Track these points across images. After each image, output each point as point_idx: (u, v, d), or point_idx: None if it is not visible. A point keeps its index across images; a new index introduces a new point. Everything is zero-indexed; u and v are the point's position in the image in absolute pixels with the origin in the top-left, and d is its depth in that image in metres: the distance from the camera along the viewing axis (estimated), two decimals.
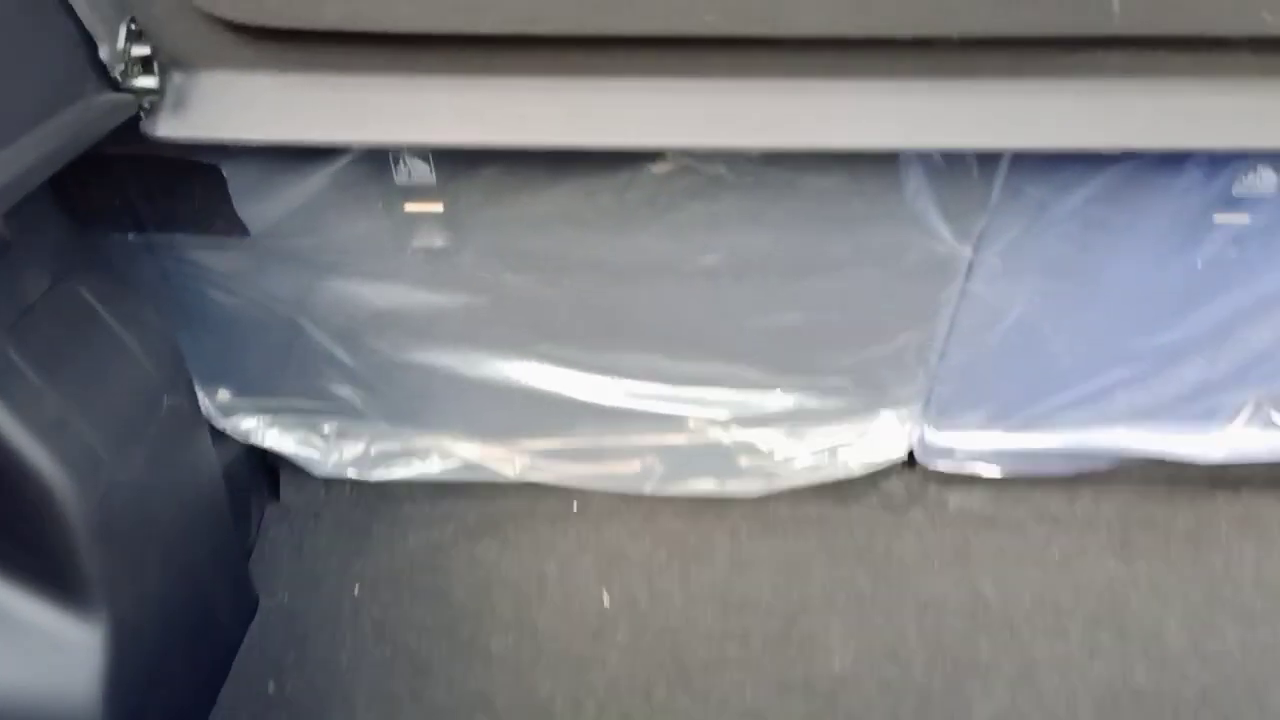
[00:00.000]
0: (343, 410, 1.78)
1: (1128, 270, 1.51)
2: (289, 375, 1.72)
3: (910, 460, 1.93)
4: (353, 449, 1.85)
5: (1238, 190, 1.40)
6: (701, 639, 1.74)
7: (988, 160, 1.36)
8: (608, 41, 1.15)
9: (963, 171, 1.39)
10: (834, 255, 1.51)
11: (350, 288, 1.56)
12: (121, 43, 1.14)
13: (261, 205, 1.44)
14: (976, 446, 1.85)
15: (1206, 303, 1.55)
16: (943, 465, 1.90)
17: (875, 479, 1.95)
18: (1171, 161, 1.36)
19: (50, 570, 1.24)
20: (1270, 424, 1.73)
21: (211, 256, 1.52)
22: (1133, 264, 1.49)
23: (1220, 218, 1.44)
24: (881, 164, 1.37)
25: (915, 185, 1.40)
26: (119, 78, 1.15)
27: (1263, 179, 1.38)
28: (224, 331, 1.63)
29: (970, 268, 1.54)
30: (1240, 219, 1.44)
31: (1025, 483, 1.96)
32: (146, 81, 1.18)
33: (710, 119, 1.23)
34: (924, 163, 1.37)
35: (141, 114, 1.20)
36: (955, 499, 1.97)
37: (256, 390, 1.77)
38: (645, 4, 1.09)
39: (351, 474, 1.86)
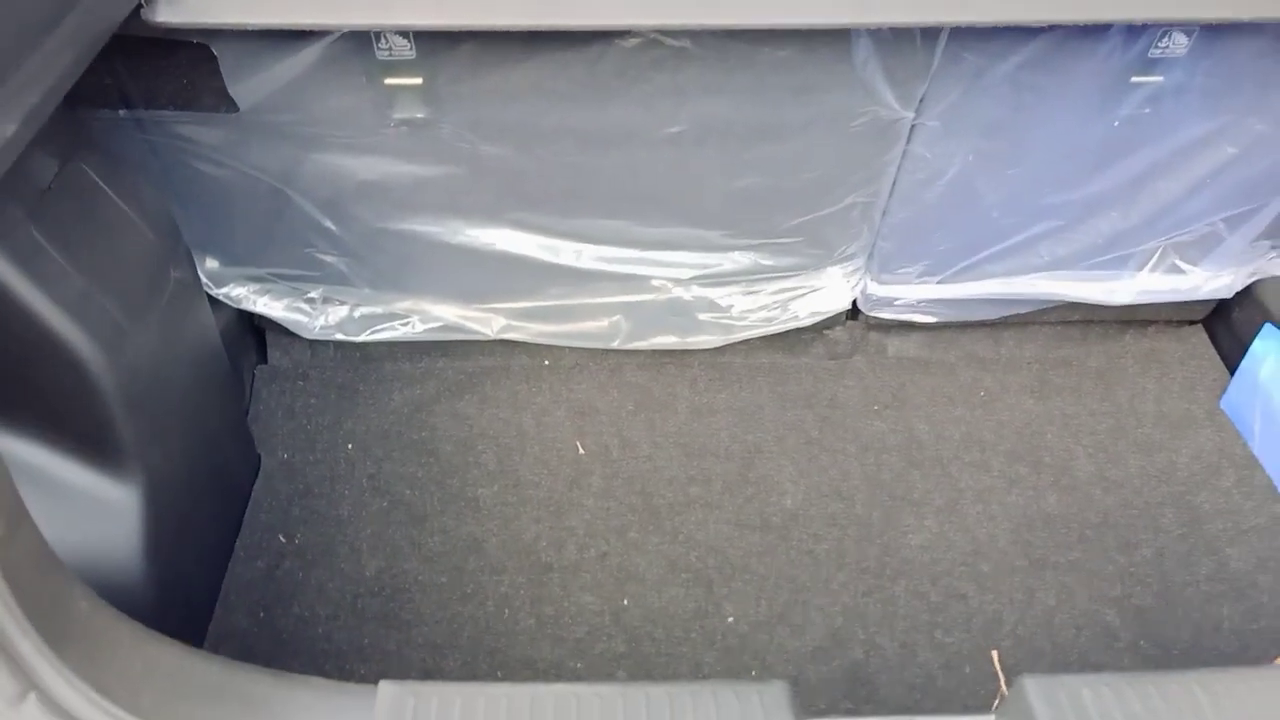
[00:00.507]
0: (328, 277, 1.89)
1: (1054, 129, 1.66)
2: (276, 244, 1.81)
3: (854, 311, 2.10)
4: (338, 312, 1.96)
5: (1153, 54, 1.54)
6: (667, 483, 1.91)
7: (929, 32, 1.48)
8: None
9: (907, 42, 1.51)
10: (789, 121, 1.63)
11: (334, 159, 1.65)
12: None
13: (249, 82, 1.51)
14: (914, 296, 2.02)
15: (1123, 158, 1.72)
16: (884, 314, 2.07)
17: (821, 329, 2.12)
18: (1095, 29, 1.50)
19: (87, 436, 1.36)
20: (1175, 269, 1.92)
21: (199, 131, 1.60)
22: (1059, 124, 1.64)
23: (1137, 78, 1.59)
24: (833, 37, 1.49)
25: (863, 55, 1.52)
26: None
27: (1175, 42, 1.53)
28: (213, 203, 1.71)
29: (912, 130, 1.67)
30: (1155, 79, 1.59)
31: (956, 328, 2.14)
32: None
33: (670, 2, 1.34)
34: (872, 35, 1.49)
35: (141, 4, 1.27)
36: (894, 345, 2.15)
37: (245, 260, 1.86)
38: None
39: (338, 336, 1.98)
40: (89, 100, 1.53)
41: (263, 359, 2.09)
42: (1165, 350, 2.12)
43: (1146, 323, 2.15)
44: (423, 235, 1.79)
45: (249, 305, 1.92)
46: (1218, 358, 2.08)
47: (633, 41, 1.49)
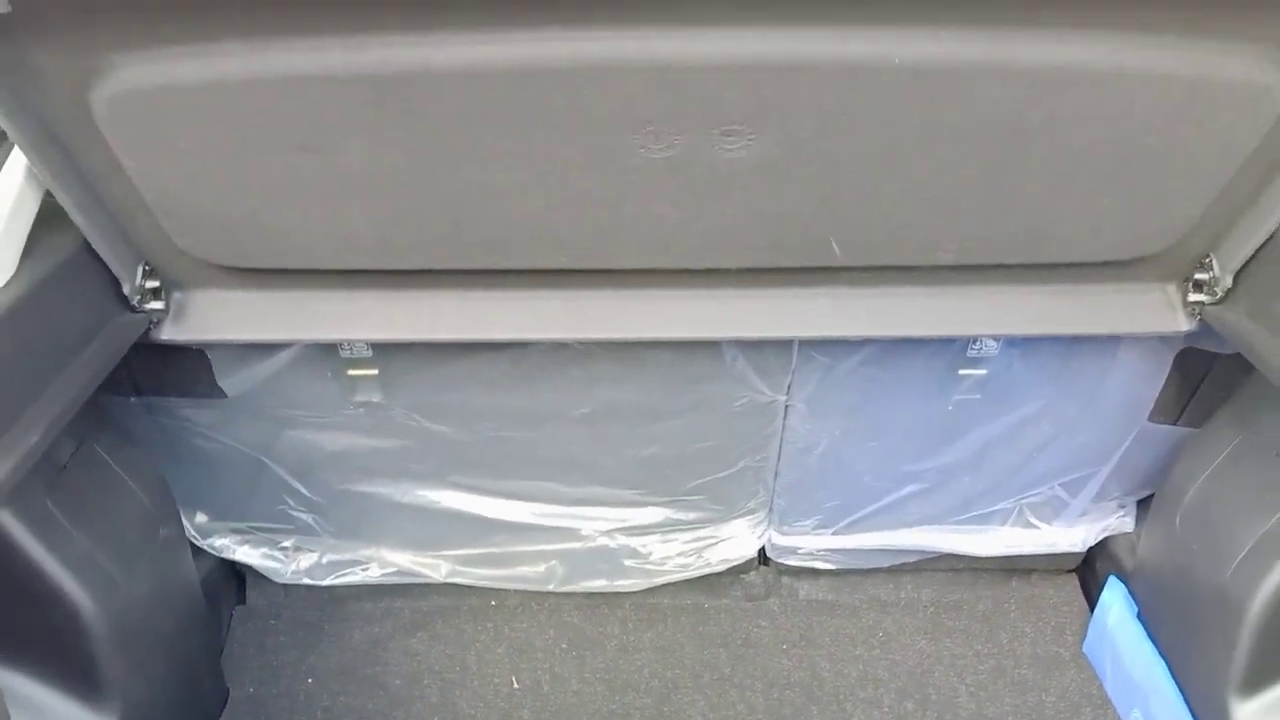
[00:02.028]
0: (299, 529, 2.20)
1: (900, 411, 1.99)
2: (255, 502, 2.14)
3: (765, 558, 2.37)
4: (307, 559, 2.26)
5: (970, 352, 1.90)
6: (589, 716, 2.14)
7: (778, 340, 1.85)
8: (492, 272, 1.63)
9: (767, 345, 1.87)
10: (680, 403, 1.97)
11: (305, 435, 2.00)
12: (139, 280, 1.59)
13: (236, 376, 1.88)
14: (813, 546, 2.31)
15: (964, 434, 2.04)
16: (790, 561, 2.34)
17: (738, 573, 2.39)
18: (914, 338, 1.85)
19: (74, 672, 1.63)
20: (1030, 524, 2.21)
21: (195, 413, 1.95)
22: (902, 406, 1.98)
23: (963, 371, 1.93)
24: (701, 343, 1.85)
25: (730, 355, 1.88)
26: (135, 304, 1.60)
27: (987, 345, 1.88)
28: (203, 469, 2.05)
29: (786, 409, 2.01)
30: (979, 372, 1.94)
31: (861, 573, 2.41)
32: (156, 304, 1.63)
33: (574, 319, 1.71)
34: (733, 340, 1.85)
35: (151, 326, 1.65)
36: (804, 588, 2.41)
37: (229, 515, 2.18)
38: (520, 249, 1.56)
39: (306, 581, 2.27)
40: (106, 388, 1.89)
41: (242, 600, 2.36)
42: (1043, 596, 2.37)
43: (1029, 570, 2.41)
44: (379, 495, 2.12)
45: (230, 554, 2.22)
46: (1086, 605, 2.32)
47: (544, 346, 1.86)
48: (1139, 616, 2.04)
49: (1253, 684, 1.69)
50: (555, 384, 1.92)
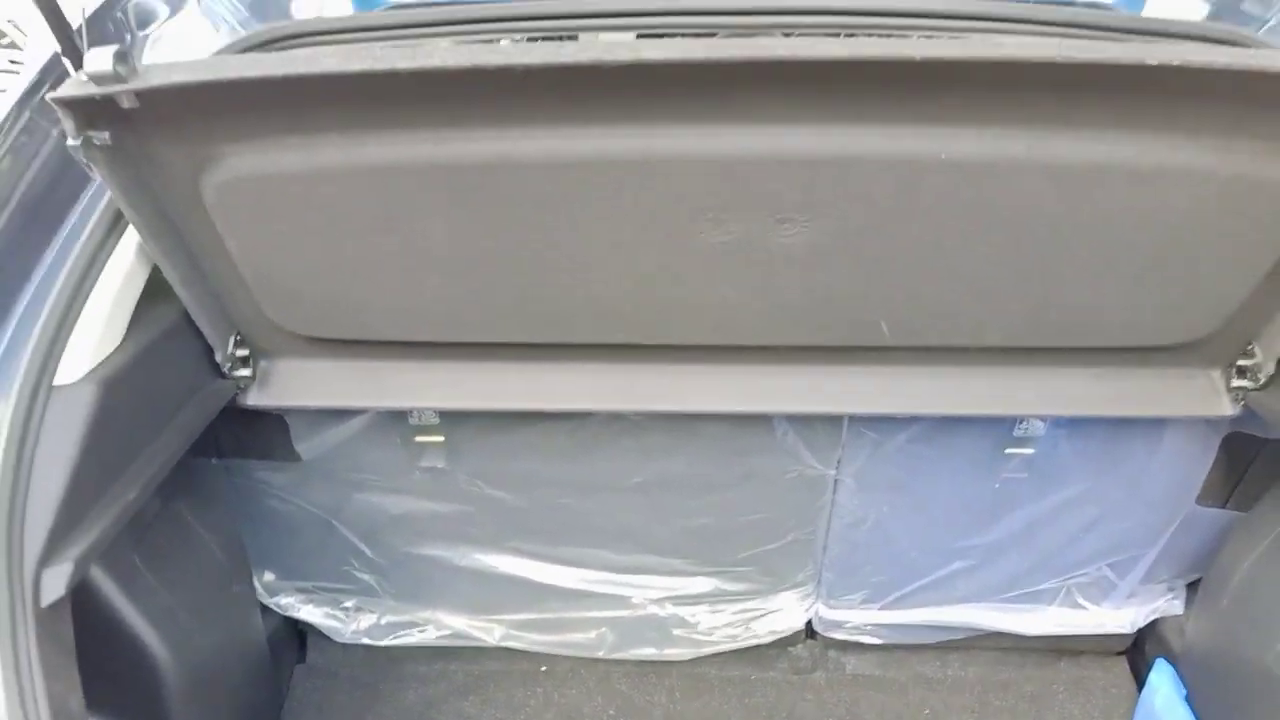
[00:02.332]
0: (361, 590, 2.28)
1: (946, 488, 2.04)
2: (321, 563, 2.22)
3: (812, 631, 2.41)
4: (367, 620, 2.33)
5: (1018, 432, 1.94)
6: None
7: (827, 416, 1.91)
8: (555, 346, 1.72)
9: (818, 419, 1.94)
10: (731, 475, 2.04)
11: (372, 498, 2.09)
12: (230, 348, 1.70)
13: (311, 440, 1.98)
14: (861, 620, 2.34)
15: (1010, 512, 2.08)
16: (837, 635, 2.37)
17: (785, 645, 2.42)
18: (961, 416, 1.91)
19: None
20: (1078, 605, 2.23)
21: (270, 475, 2.05)
22: (949, 483, 2.03)
23: (1010, 450, 1.98)
24: (752, 417, 1.92)
25: (781, 430, 1.94)
26: (226, 371, 1.71)
27: (1033, 425, 1.93)
28: (275, 529, 2.14)
29: (836, 484, 2.07)
30: (1026, 451, 1.98)
31: (907, 649, 2.43)
32: (244, 371, 1.74)
33: (630, 392, 1.79)
34: (785, 414, 1.92)
35: (238, 391, 1.76)
36: (851, 663, 2.44)
37: (295, 574, 2.26)
38: (584, 324, 1.66)
39: (366, 640, 2.34)
40: (191, 449, 2.00)
41: (302, 659, 2.44)
42: (1091, 678, 2.37)
43: (1078, 652, 2.41)
44: (438, 558, 2.19)
45: (294, 612, 2.30)
46: (1134, 686, 2.32)
47: (601, 417, 1.94)
48: (1187, 699, 2.04)
49: None
50: (610, 454, 2.00)
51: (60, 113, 1.22)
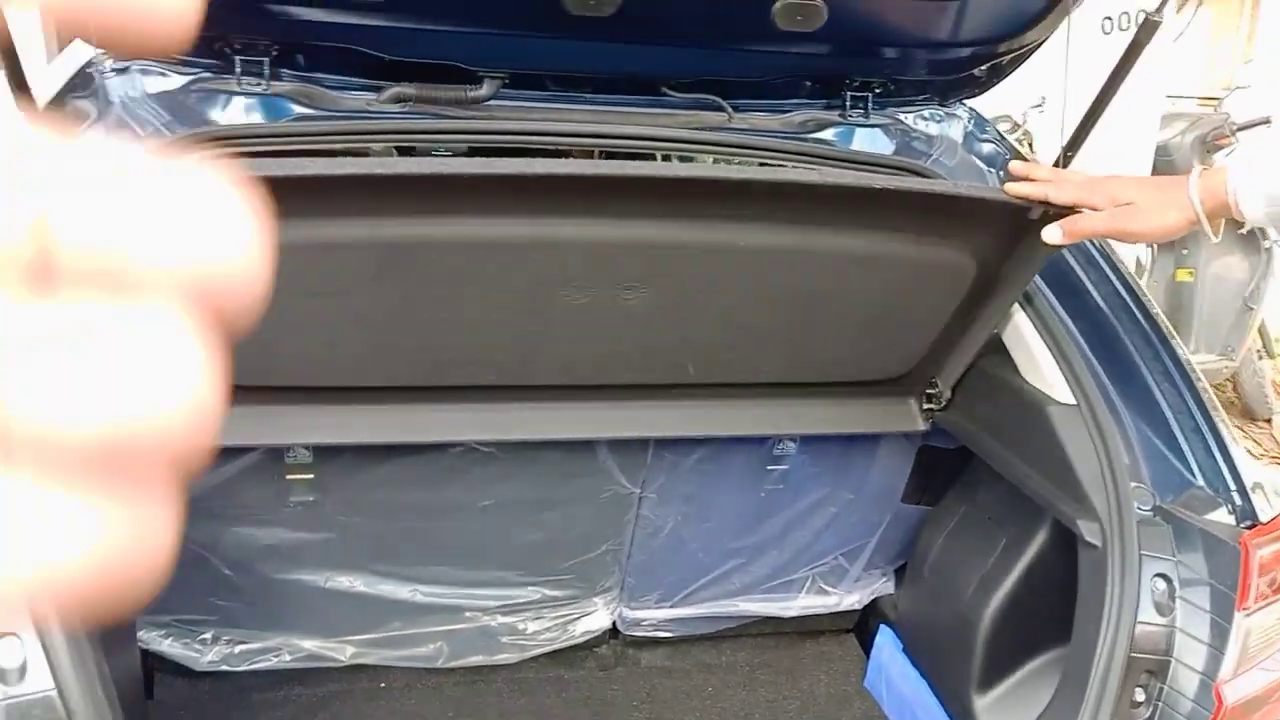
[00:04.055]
0: (221, 620, 2.52)
1: (725, 498, 2.61)
2: (185, 595, 2.45)
3: (615, 631, 2.89)
4: (224, 649, 2.57)
5: (776, 451, 2.55)
6: None
7: (642, 440, 2.43)
8: (426, 388, 2.13)
9: (630, 445, 2.45)
10: (560, 495, 2.51)
11: (245, 530, 2.37)
12: None
13: (195, 482, 2.25)
14: (657, 617, 2.85)
15: (772, 516, 2.68)
16: (637, 632, 2.87)
17: (592, 647, 2.89)
18: (738, 439, 2.49)
19: None
20: (822, 590, 2.86)
21: None
22: (727, 494, 2.60)
23: (770, 467, 2.58)
24: (584, 444, 2.41)
25: (603, 455, 2.45)
26: None
27: (787, 445, 2.54)
28: None
29: (640, 500, 2.58)
30: (782, 467, 2.60)
31: (691, 640, 2.96)
32: None
33: (484, 426, 2.23)
34: (607, 442, 2.42)
35: None
36: (645, 657, 2.94)
37: (156, 609, 2.48)
38: (460, 370, 2.09)
39: (223, 668, 2.57)
40: None
41: (150, 694, 2.61)
42: (831, 652, 3.00)
43: (818, 632, 3.04)
44: (301, 582, 2.49)
45: (153, 645, 2.50)
46: (863, 654, 2.98)
47: (457, 449, 2.36)
48: (904, 651, 2.70)
49: (987, 683, 2.36)
50: (462, 482, 2.41)
51: None
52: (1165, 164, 4.87)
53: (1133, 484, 1.91)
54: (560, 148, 2.09)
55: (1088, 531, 1.90)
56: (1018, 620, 2.34)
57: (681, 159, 2.30)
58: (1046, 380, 2.08)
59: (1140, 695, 1.75)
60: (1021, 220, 1.91)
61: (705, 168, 2.06)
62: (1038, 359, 2.10)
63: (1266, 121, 5.26)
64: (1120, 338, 2.07)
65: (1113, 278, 2.13)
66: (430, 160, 1.69)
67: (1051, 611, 2.30)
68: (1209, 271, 5.30)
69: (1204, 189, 1.58)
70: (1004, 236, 1.98)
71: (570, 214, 1.81)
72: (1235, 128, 5.12)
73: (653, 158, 2.21)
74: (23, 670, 1.42)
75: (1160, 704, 1.76)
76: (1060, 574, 2.26)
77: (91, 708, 1.44)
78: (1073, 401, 2.02)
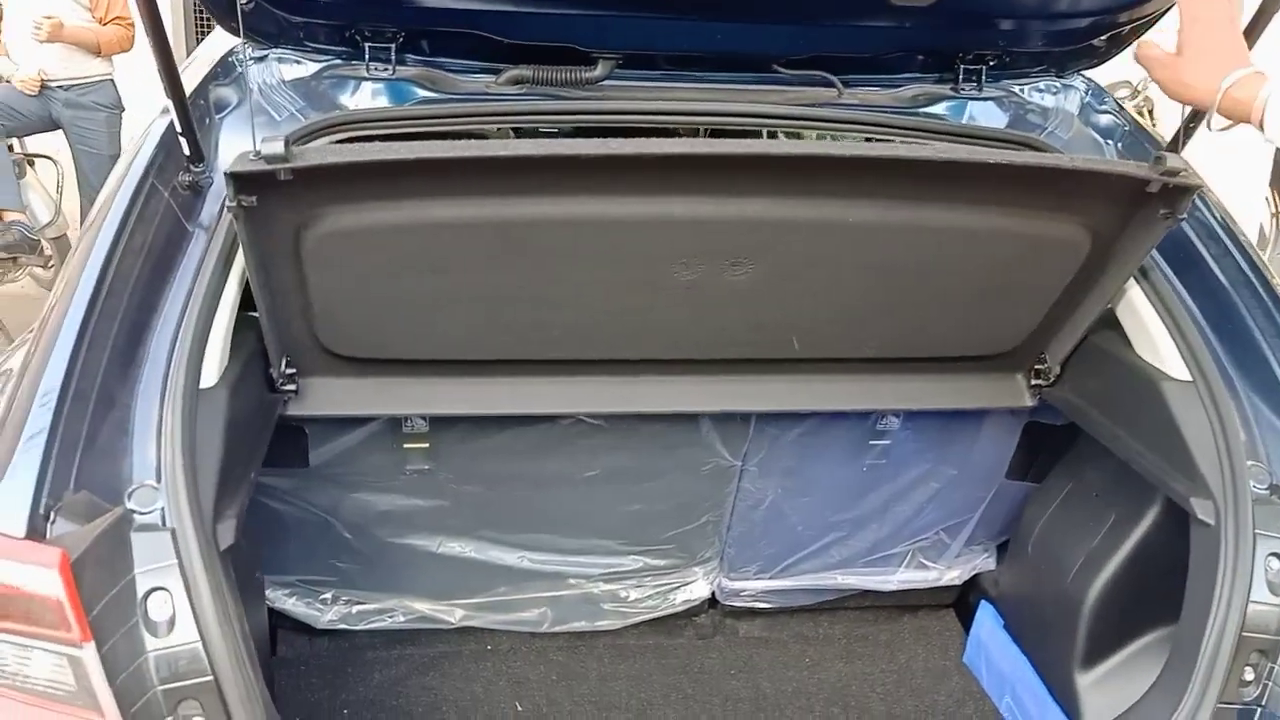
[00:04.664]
0: (341, 581, 2.63)
1: (827, 472, 2.63)
2: (309, 558, 2.57)
3: (713, 601, 2.94)
4: (342, 609, 2.68)
5: (879, 426, 2.56)
6: None
7: (744, 415, 2.47)
8: (538, 362, 2.19)
9: (732, 420, 2.49)
10: (662, 467, 2.56)
11: (365, 497, 2.48)
12: (283, 367, 2.08)
13: (319, 449, 2.36)
14: (756, 588, 2.89)
15: (873, 490, 2.69)
16: (735, 602, 2.91)
17: (690, 615, 2.94)
18: (841, 414, 2.51)
19: None
20: (922, 565, 2.87)
21: (276, 480, 2.40)
22: (828, 469, 2.62)
23: (872, 442, 2.60)
24: (687, 416, 2.45)
25: (705, 428, 2.49)
26: (278, 386, 2.08)
27: (890, 421, 2.55)
28: (270, 529, 2.48)
29: (741, 473, 2.62)
30: (884, 443, 2.61)
31: (788, 612, 2.99)
32: (290, 386, 2.11)
33: (589, 399, 2.28)
34: (710, 416, 2.46)
35: (282, 405, 2.13)
36: (743, 627, 2.98)
37: (281, 569, 2.60)
38: (572, 343, 2.14)
39: (342, 626, 2.69)
40: None
41: (274, 651, 2.75)
42: (929, 627, 3.01)
43: (917, 607, 3.05)
44: (414, 547, 2.59)
45: (278, 604, 2.63)
46: (961, 629, 2.98)
47: (565, 421, 2.42)
48: (1005, 628, 2.69)
49: (1090, 660, 2.35)
50: (569, 452, 2.48)
51: (228, 181, 1.62)
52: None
53: (1249, 462, 1.88)
54: (671, 125, 2.12)
55: (1201, 509, 1.88)
56: (1124, 599, 2.32)
57: (789, 135, 2.31)
58: (1161, 356, 2.05)
59: (1250, 674, 1.74)
60: (1140, 193, 1.89)
61: (814, 145, 2.07)
62: (1153, 334, 2.07)
63: None
64: (1240, 312, 2.03)
65: (1234, 251, 2.09)
66: (544, 142, 1.73)
67: (1159, 591, 2.27)
68: None
69: (1241, 84, 1.52)
70: (1120, 209, 1.96)
71: (680, 192, 1.84)
72: None
73: (760, 134, 2.23)
74: (171, 623, 1.53)
75: (1270, 683, 1.74)
76: (1170, 553, 2.23)
77: (232, 660, 1.54)
78: (1188, 378, 1.99)
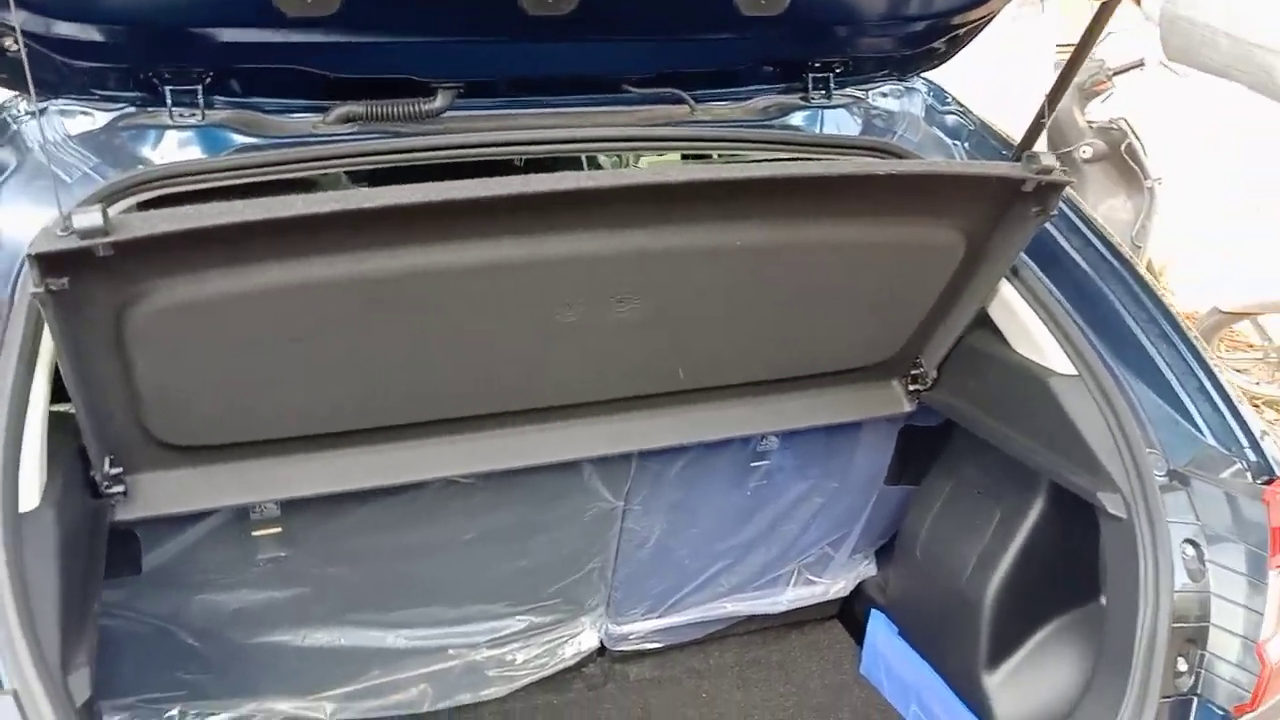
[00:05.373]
0: (190, 694, 2.31)
1: (713, 500, 2.53)
2: (150, 673, 2.24)
3: (602, 649, 2.78)
4: None
5: (760, 448, 2.48)
6: None
7: (625, 454, 2.33)
8: (402, 426, 1.98)
9: (614, 460, 2.34)
10: (546, 519, 2.38)
11: (210, 596, 2.18)
12: (106, 467, 1.78)
13: (154, 551, 2.05)
14: (644, 629, 2.75)
15: (758, 512, 2.61)
16: (624, 647, 2.77)
17: (580, 668, 2.78)
18: (722, 441, 2.41)
19: None
20: (809, 582, 2.81)
21: (104, 592, 2.07)
22: (715, 496, 2.52)
23: (754, 463, 2.51)
24: (568, 464, 2.29)
25: (588, 472, 2.33)
26: (103, 489, 1.78)
27: (770, 441, 2.47)
28: (104, 646, 2.15)
29: (624, 514, 2.48)
30: (765, 463, 2.53)
31: (676, 648, 2.88)
32: (117, 488, 1.81)
33: (464, 458, 2.08)
34: (591, 460, 2.31)
35: (110, 510, 1.83)
36: (634, 671, 2.84)
37: (118, 692, 2.26)
38: (447, 401, 1.94)
39: None
40: None
41: None
42: (818, 640, 2.96)
43: (803, 622, 2.99)
44: (275, 644, 2.31)
45: None
46: (851, 639, 2.94)
47: (436, 484, 2.21)
48: (900, 635, 2.67)
49: (995, 659, 2.33)
50: (442, 518, 2.27)
51: (32, 264, 1.34)
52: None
53: (1147, 450, 1.89)
54: (533, 155, 1.96)
55: (1110, 503, 1.88)
56: (1021, 593, 2.32)
57: (644, 157, 2.20)
58: (1042, 351, 2.05)
59: (1183, 665, 1.74)
60: (1013, 192, 1.87)
61: (695, 169, 1.96)
62: (1030, 331, 2.07)
63: (1140, 64, 5.41)
64: (1110, 302, 2.06)
65: (1095, 242, 2.11)
66: (407, 188, 1.53)
67: (1055, 580, 2.29)
68: (1097, 213, 5.44)
69: None
70: (993, 210, 1.94)
71: (560, 229, 1.69)
72: (1111, 73, 5.24)
73: (624, 159, 2.11)
74: None
75: (1202, 671, 1.75)
76: (1061, 541, 2.25)
77: None
78: (1074, 372, 1.99)
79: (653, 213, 1.73)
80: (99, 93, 1.78)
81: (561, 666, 2.68)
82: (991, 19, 2.18)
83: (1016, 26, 1.95)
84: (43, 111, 1.74)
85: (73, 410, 1.67)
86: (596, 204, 1.67)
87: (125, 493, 1.83)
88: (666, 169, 2.05)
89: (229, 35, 1.72)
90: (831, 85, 2.23)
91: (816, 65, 2.19)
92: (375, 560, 2.28)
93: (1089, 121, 5.00)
